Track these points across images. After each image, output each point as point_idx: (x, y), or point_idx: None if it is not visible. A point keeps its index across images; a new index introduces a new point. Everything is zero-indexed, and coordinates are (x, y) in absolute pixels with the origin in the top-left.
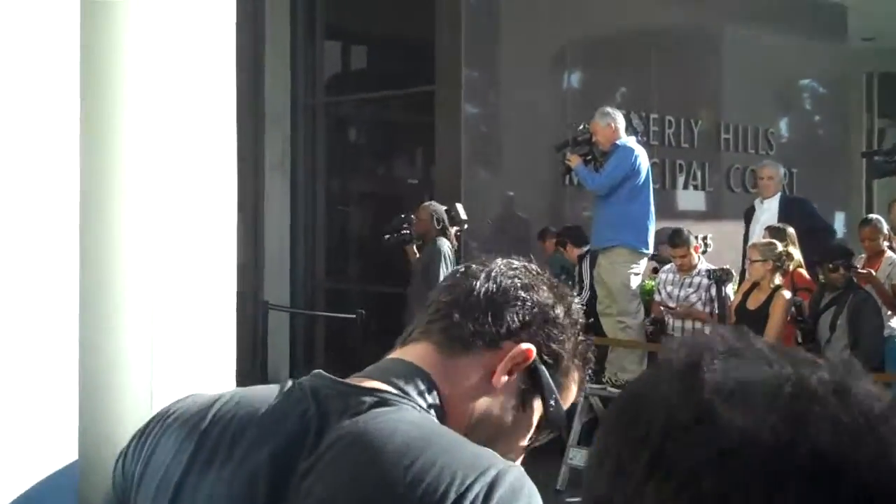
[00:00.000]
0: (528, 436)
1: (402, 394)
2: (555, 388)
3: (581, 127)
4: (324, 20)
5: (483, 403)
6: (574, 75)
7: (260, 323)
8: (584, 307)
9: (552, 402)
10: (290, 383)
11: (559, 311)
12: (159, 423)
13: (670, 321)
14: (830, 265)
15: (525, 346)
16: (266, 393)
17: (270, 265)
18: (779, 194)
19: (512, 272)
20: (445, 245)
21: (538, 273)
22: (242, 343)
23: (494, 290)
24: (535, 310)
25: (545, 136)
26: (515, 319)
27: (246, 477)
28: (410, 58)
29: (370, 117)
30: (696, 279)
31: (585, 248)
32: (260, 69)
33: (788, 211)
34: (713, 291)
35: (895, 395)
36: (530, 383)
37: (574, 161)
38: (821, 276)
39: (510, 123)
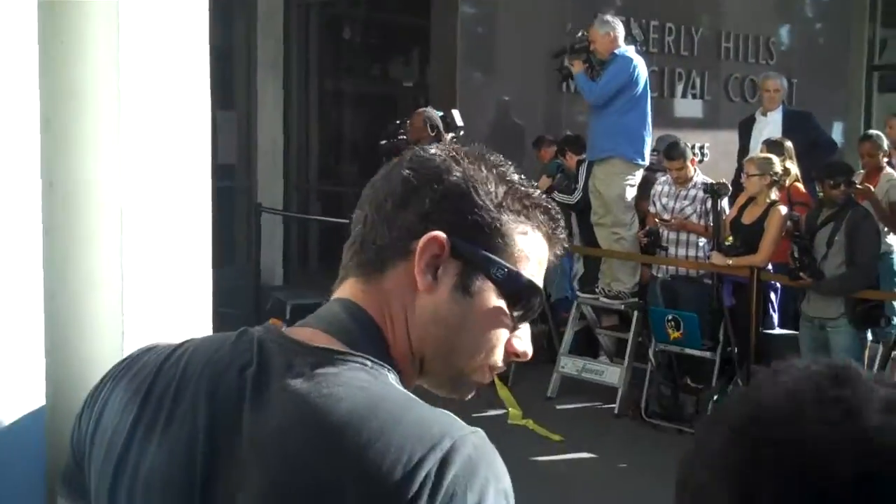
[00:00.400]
0: (506, 322)
1: (347, 346)
2: (495, 257)
3: (579, 34)
4: None
5: (421, 314)
6: None
7: (253, 224)
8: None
9: (497, 272)
10: (240, 331)
11: (455, 175)
12: (112, 378)
13: (665, 233)
14: (831, 181)
15: (430, 234)
16: (217, 342)
17: (263, 167)
18: (781, 107)
19: (397, 173)
20: None
21: (430, 156)
22: (236, 244)
23: (384, 199)
24: (429, 191)
25: (543, 41)
26: (412, 215)
27: (185, 440)
28: None
29: (365, 17)
30: (692, 192)
31: (584, 156)
32: None
33: (791, 124)
34: (709, 204)
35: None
36: (464, 267)
37: (577, 67)
38: (819, 192)
39: (508, 26)
